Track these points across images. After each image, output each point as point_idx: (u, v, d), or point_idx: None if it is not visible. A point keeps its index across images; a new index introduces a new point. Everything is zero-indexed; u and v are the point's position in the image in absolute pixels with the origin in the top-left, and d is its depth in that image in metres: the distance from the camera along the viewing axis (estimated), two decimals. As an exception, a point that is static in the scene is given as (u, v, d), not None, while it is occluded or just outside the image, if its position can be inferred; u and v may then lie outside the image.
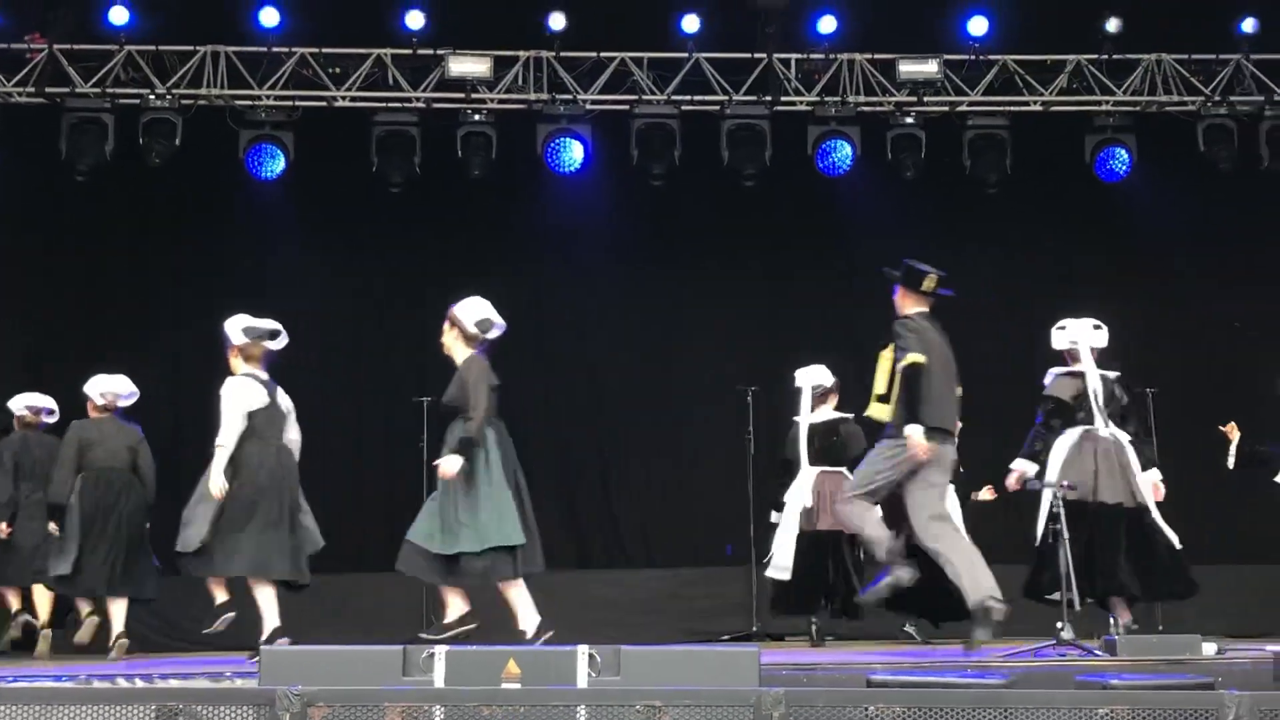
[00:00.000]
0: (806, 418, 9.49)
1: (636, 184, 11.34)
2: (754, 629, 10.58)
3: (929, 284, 7.69)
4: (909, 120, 11.22)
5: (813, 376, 9.60)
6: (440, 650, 5.03)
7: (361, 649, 5.22)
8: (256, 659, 5.42)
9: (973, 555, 7.39)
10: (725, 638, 10.38)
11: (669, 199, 11.48)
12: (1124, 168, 11.30)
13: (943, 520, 7.51)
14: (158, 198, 11.49)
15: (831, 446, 9.42)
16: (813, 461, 9.41)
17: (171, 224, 11.66)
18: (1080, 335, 8.32)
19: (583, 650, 5.09)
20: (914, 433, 7.30)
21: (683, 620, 10.87)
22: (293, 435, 8.21)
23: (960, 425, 7.87)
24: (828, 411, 9.53)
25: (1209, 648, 6.98)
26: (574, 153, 11.09)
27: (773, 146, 11.11)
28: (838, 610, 9.33)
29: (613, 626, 10.37)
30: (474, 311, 7.93)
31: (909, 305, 7.76)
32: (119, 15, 10.73)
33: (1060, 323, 8.49)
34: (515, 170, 11.34)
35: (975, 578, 7.23)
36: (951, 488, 8.30)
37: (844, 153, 11.15)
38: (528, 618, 7.46)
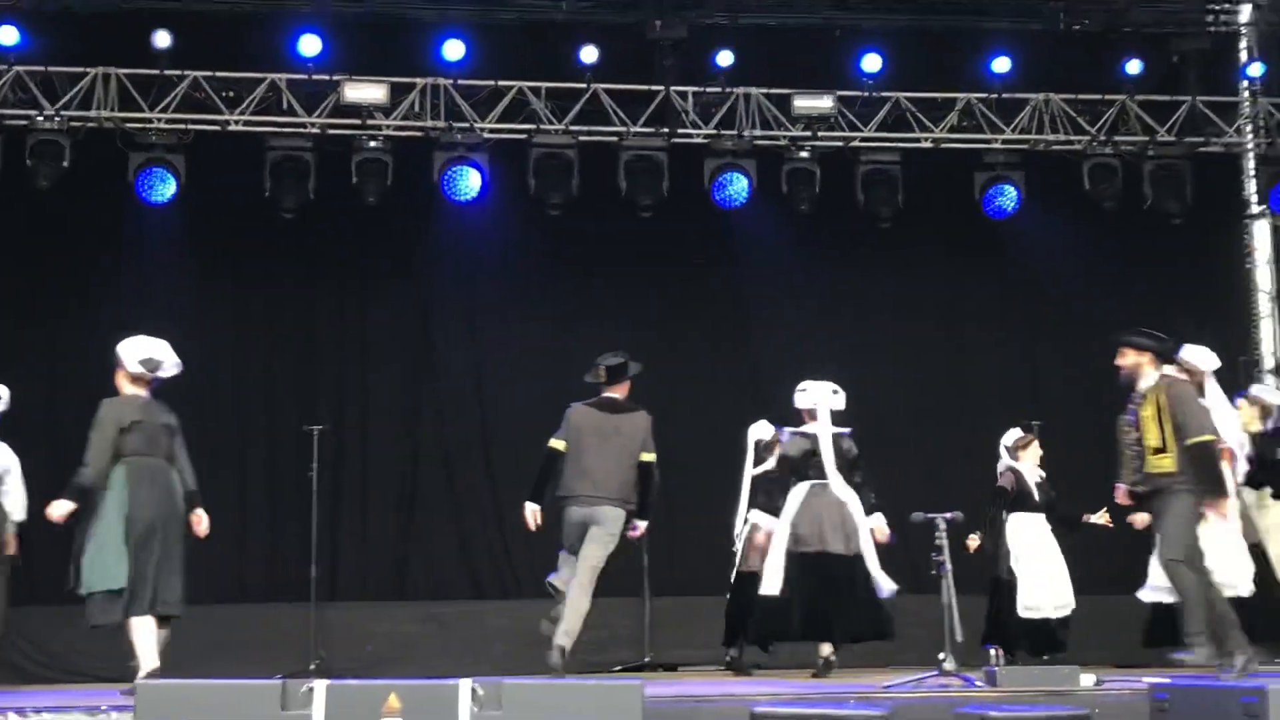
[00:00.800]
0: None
1: (534, 213, 11.33)
2: (646, 660, 10.59)
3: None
4: (804, 154, 11.34)
5: (759, 430, 10.02)
6: (320, 684, 4.98)
7: (239, 683, 5.15)
8: (132, 690, 5.32)
9: None
10: (617, 669, 10.37)
11: (566, 228, 11.48)
12: (1012, 204, 11.50)
13: None
14: (43, 221, 11.26)
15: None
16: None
17: (57, 248, 11.42)
18: (819, 398, 9.14)
19: (465, 684, 5.06)
20: None
21: (575, 651, 10.76)
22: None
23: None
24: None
25: (1087, 679, 7.10)
26: (471, 181, 11.06)
27: (670, 178, 11.17)
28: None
29: (505, 658, 10.33)
30: (137, 350, 7.82)
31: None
32: (8, 35, 10.54)
33: (802, 385, 9.26)
34: (411, 198, 11.28)
35: None
36: None
37: (740, 185, 11.24)
38: (144, 658, 7.35)
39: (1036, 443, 9.78)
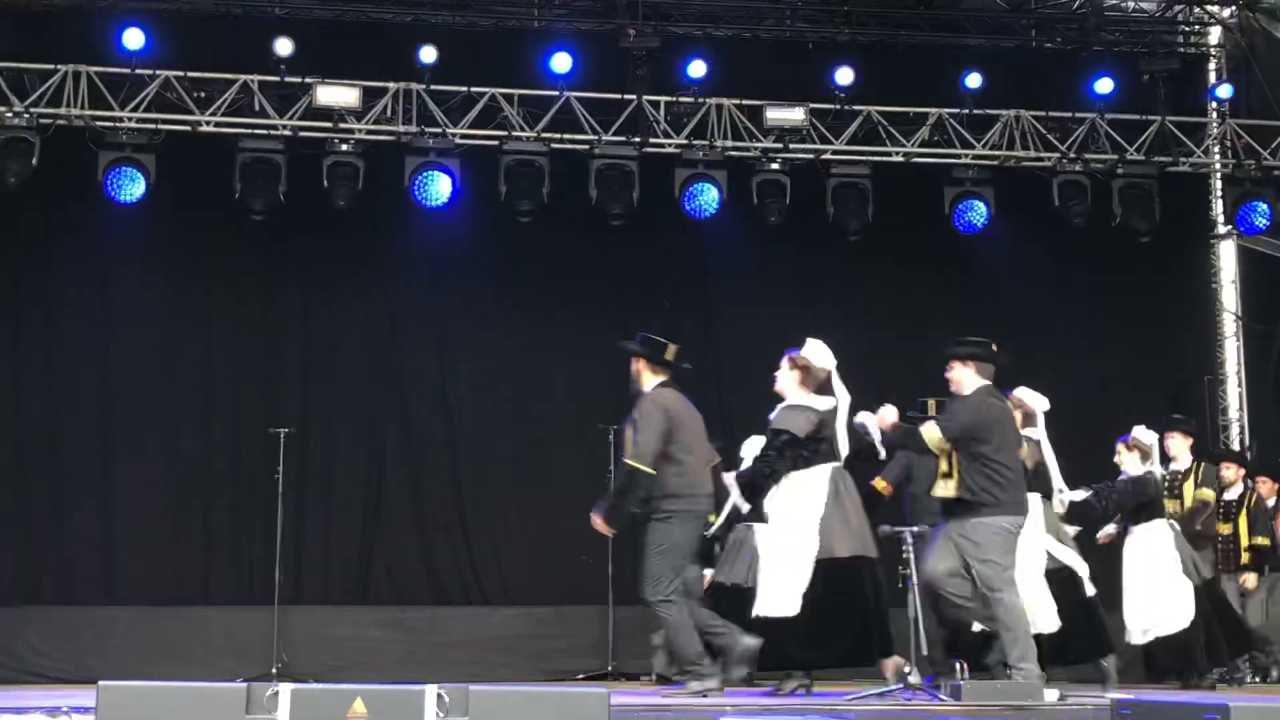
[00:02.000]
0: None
1: (504, 220, 11.32)
2: (609, 668, 10.58)
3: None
4: (774, 166, 11.37)
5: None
6: (285, 688, 4.94)
7: (203, 685, 5.10)
8: None
9: None
10: (580, 677, 10.36)
11: (536, 236, 11.47)
12: (981, 220, 11.56)
13: None
14: (11, 218, 11.18)
15: None
16: None
17: (25, 246, 11.37)
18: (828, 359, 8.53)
19: (431, 690, 5.03)
20: None
21: (539, 659, 10.82)
22: None
23: None
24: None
25: (1051, 694, 7.12)
26: (441, 186, 11.03)
27: (640, 187, 11.17)
28: None
29: (468, 665, 10.31)
30: None
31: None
32: (-25, 30, 10.47)
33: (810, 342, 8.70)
34: (382, 202, 11.26)
35: None
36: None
37: (710, 195, 11.25)
38: None
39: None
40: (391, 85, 11.07)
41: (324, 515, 11.40)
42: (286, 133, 10.92)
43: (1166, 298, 12.35)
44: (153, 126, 10.77)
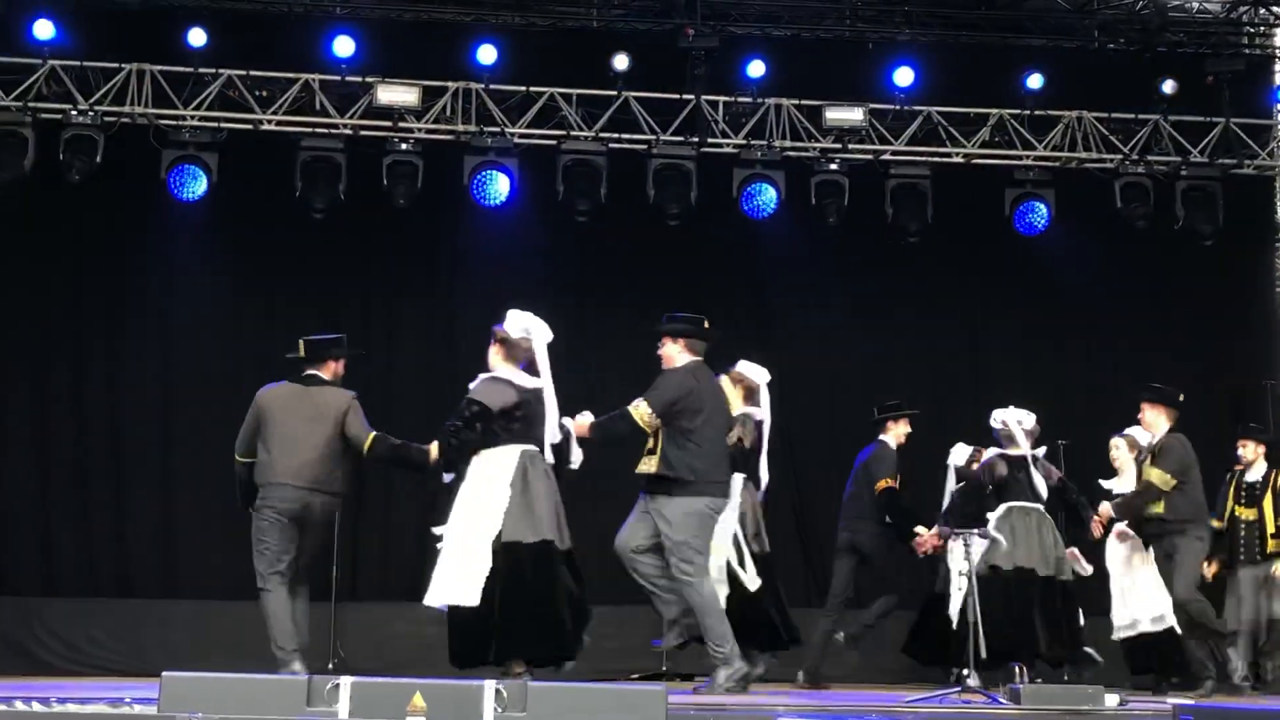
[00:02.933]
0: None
1: (561, 219, 11.34)
2: (664, 669, 10.56)
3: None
4: (833, 166, 11.32)
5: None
6: (346, 681, 4.97)
7: (265, 678, 5.15)
8: None
9: None
10: (635, 676, 10.34)
11: (593, 235, 11.49)
12: (1042, 222, 11.45)
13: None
14: (76, 215, 11.33)
15: None
16: None
17: (89, 242, 11.51)
18: None
19: (490, 685, 5.05)
20: None
21: (593, 658, 10.70)
22: None
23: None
24: None
25: (1111, 699, 7.05)
26: (500, 185, 11.07)
27: (698, 187, 11.15)
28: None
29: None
30: None
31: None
32: (44, 29, 10.59)
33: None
34: (440, 201, 11.30)
35: None
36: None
37: (768, 196, 11.22)
38: None
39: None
40: (451, 85, 11.11)
41: (382, 511, 11.47)
42: (347, 132, 10.99)
43: (1229, 301, 12.19)
44: (215, 125, 10.86)
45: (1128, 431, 9.44)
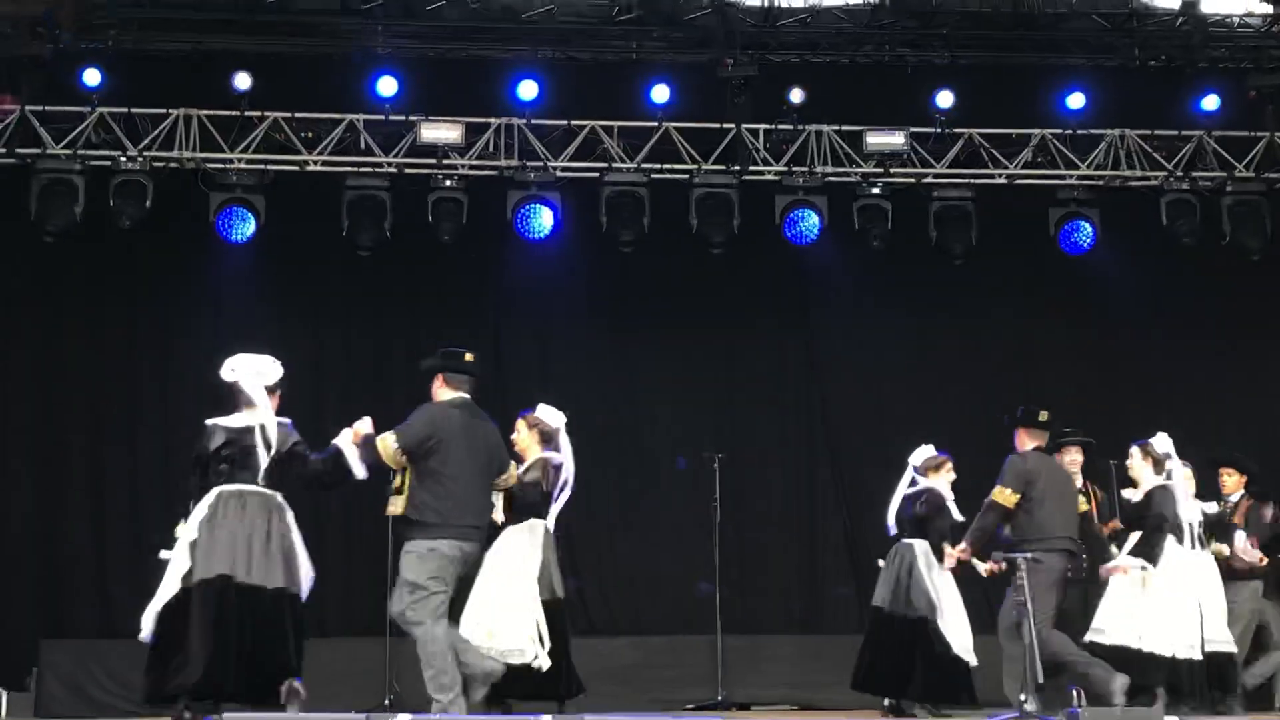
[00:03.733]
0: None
1: (605, 250, 11.39)
2: (719, 698, 10.54)
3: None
4: (875, 191, 11.32)
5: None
6: (403, 718, 5.01)
7: (322, 716, 5.19)
8: None
9: None
10: (690, 707, 10.33)
11: (637, 266, 11.53)
12: (1088, 241, 11.40)
13: None
14: (126, 260, 11.47)
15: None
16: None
17: (139, 287, 11.65)
18: None
19: (546, 720, 5.08)
20: None
21: (649, 689, 10.80)
22: None
23: None
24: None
25: (1169, 720, 6.99)
26: (544, 219, 11.13)
27: (740, 215, 11.18)
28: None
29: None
30: None
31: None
32: (91, 77, 10.74)
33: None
34: (485, 236, 11.38)
35: None
36: None
37: (811, 222, 11.23)
38: None
39: (949, 465, 9.33)
40: (493, 121, 11.19)
41: (434, 548, 11.50)
42: (392, 170, 11.09)
43: (1278, 316, 12.08)
44: (262, 167, 10.99)
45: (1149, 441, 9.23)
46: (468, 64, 11.44)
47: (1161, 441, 8.92)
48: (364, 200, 11.03)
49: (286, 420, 7.36)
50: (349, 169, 11.07)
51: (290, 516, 7.21)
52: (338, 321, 11.90)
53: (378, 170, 11.09)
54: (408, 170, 11.12)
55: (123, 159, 10.81)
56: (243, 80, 10.80)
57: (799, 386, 12.20)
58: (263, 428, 7.17)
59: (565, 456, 8.34)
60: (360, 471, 7.33)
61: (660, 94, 11.13)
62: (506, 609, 7.80)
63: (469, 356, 7.56)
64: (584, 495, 11.70)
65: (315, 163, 11.06)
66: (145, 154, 10.84)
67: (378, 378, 11.82)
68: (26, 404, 11.48)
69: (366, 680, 10.19)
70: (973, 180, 11.39)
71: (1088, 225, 11.38)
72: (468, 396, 7.50)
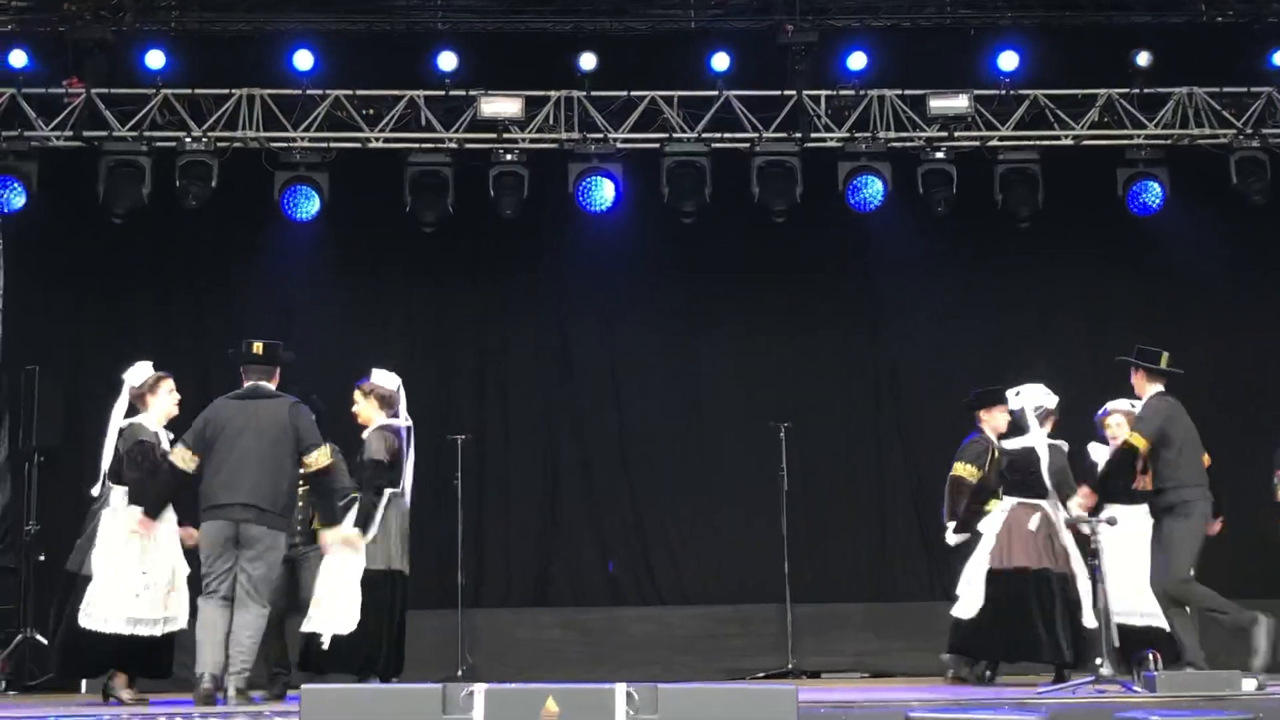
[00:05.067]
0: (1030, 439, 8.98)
1: (668, 222, 11.37)
2: (789, 666, 10.55)
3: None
4: (940, 155, 11.20)
5: (1034, 397, 9.09)
6: (480, 688, 5.04)
7: (400, 687, 5.25)
8: None
9: None
10: (760, 675, 10.35)
11: (700, 236, 11.50)
12: (1157, 201, 11.25)
13: None
14: (192, 241, 11.58)
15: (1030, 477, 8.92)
16: (1007, 491, 9.01)
17: (206, 266, 11.76)
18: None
19: (621, 688, 5.09)
20: None
21: (718, 658, 10.84)
22: None
23: None
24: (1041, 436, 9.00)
25: (1249, 683, 6.92)
26: (605, 191, 11.12)
27: (803, 183, 11.11)
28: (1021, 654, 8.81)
29: (648, 665, 10.38)
30: None
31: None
32: (155, 59, 10.84)
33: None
34: (547, 209, 11.38)
35: None
36: None
37: (875, 188, 11.14)
38: None
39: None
40: (553, 93, 11.18)
41: (502, 519, 11.59)
42: (453, 145, 11.11)
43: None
44: (325, 145, 11.05)
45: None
46: (526, 37, 11.42)
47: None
48: (426, 176, 11.07)
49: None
50: (411, 145, 11.11)
51: None
52: (401, 298, 11.96)
53: (439, 146, 11.11)
54: (468, 145, 11.13)
55: (187, 140, 10.90)
56: (304, 59, 10.86)
57: (864, 354, 12.13)
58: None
59: (404, 419, 8.49)
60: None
61: (720, 62, 11.07)
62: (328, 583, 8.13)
63: (257, 346, 7.97)
64: (652, 466, 11.81)
65: (377, 140, 11.10)
66: (209, 134, 10.92)
67: (441, 354, 11.89)
68: (98, 385, 11.60)
69: (439, 652, 10.28)
70: (1039, 142, 11.25)
71: (1156, 185, 11.23)
72: (258, 383, 7.90)
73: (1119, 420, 8.80)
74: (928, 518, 11.48)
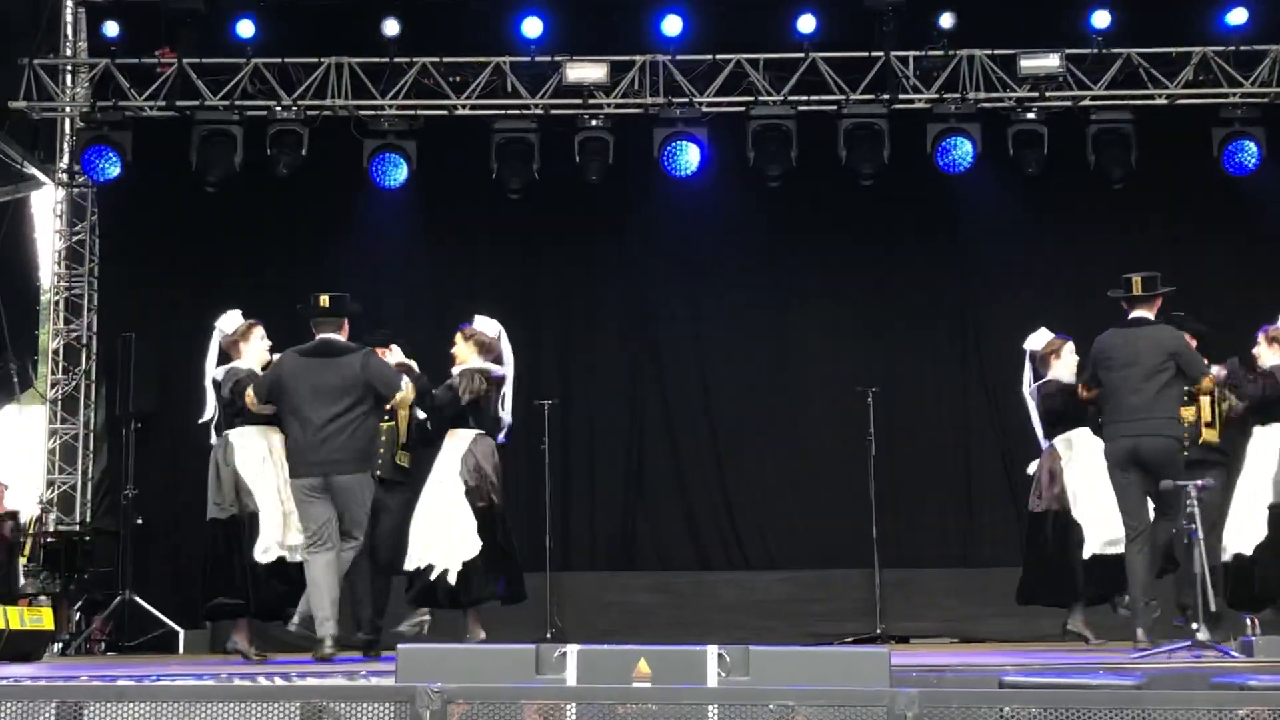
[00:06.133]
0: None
1: (754, 185, 11.33)
2: (878, 631, 10.53)
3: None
4: (1030, 116, 11.06)
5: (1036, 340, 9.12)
6: (572, 649, 5.08)
7: (495, 647, 5.30)
8: None
9: None
10: (848, 640, 10.33)
11: (787, 200, 11.45)
12: (1253, 161, 11.02)
13: None
14: (284, 209, 11.70)
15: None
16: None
17: (296, 235, 11.87)
18: None
19: (712, 650, 5.11)
20: None
21: (804, 623, 10.85)
22: None
23: None
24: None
25: (1350, 650, 6.81)
26: (690, 156, 11.10)
27: (891, 145, 11.02)
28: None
29: (735, 629, 10.41)
30: None
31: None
32: (245, 29, 10.98)
33: None
34: (632, 174, 11.38)
35: None
36: None
37: (964, 150, 11.02)
38: None
39: (1070, 346, 8.97)
40: (638, 58, 11.17)
41: (589, 483, 11.66)
42: (538, 112, 11.14)
43: None
44: (412, 113, 11.13)
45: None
46: (611, 2, 11.41)
47: None
48: (512, 143, 11.12)
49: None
50: (497, 112, 11.15)
51: None
52: (489, 263, 12.02)
53: (525, 112, 11.15)
54: (554, 111, 11.17)
55: (278, 109, 11.04)
56: (391, 27, 10.93)
57: (953, 319, 12.02)
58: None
59: (507, 363, 8.65)
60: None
61: (806, 24, 11.00)
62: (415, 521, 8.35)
63: (324, 300, 8.11)
64: (737, 431, 11.81)
65: (464, 107, 11.16)
66: (299, 103, 11.04)
67: (527, 319, 11.92)
68: (192, 352, 11.77)
69: (528, 614, 10.35)
70: (1132, 102, 11.07)
71: (1252, 145, 11.01)
72: (329, 336, 8.04)
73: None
74: (1017, 483, 11.37)
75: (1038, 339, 9.04)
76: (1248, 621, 7.51)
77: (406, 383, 8.00)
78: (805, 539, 11.64)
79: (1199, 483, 7.20)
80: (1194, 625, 7.01)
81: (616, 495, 11.71)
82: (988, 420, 11.84)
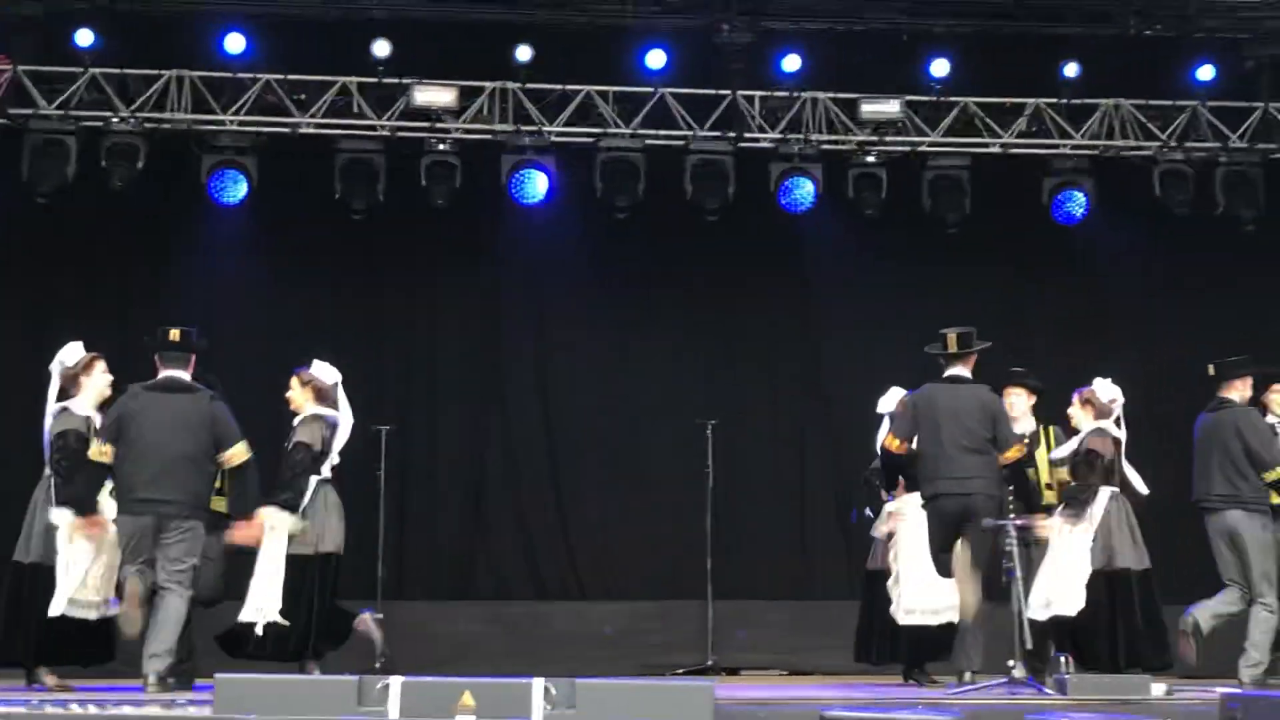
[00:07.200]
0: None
1: (600, 216, 11.37)
2: (709, 662, 10.60)
3: None
4: (870, 159, 11.30)
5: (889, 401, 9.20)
6: (396, 681, 5.03)
7: (316, 678, 5.21)
8: None
9: None
10: (680, 671, 10.39)
11: (632, 232, 11.52)
12: (1081, 210, 11.40)
13: None
14: (118, 222, 11.42)
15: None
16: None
17: (131, 248, 11.60)
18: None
19: (538, 683, 5.10)
20: None
21: (638, 654, 10.88)
22: None
23: None
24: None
25: (1158, 688, 7.05)
26: (538, 184, 11.10)
27: (736, 182, 11.16)
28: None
29: (569, 660, 10.37)
30: None
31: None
32: (84, 37, 10.69)
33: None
34: (478, 200, 11.35)
35: None
36: None
37: (806, 190, 11.21)
38: None
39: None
40: (488, 84, 11.15)
41: (426, 511, 11.56)
42: (385, 133, 11.04)
43: (1273, 285, 12.09)
44: (254, 129, 10.95)
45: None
46: (462, 27, 11.34)
47: (1106, 387, 8.87)
48: (357, 163, 10.99)
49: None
50: (342, 132, 11.03)
51: None
52: (330, 285, 11.86)
53: (371, 134, 11.04)
54: (400, 134, 11.07)
55: (115, 120, 10.77)
56: (235, 42, 10.74)
57: (792, 354, 12.21)
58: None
59: (343, 412, 8.49)
60: None
61: (656, 59, 11.09)
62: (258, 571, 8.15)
63: (174, 334, 7.93)
64: (577, 461, 11.81)
65: (307, 125, 11.01)
66: (137, 115, 10.79)
67: (368, 342, 11.82)
68: (19, 365, 11.42)
69: (357, 644, 10.18)
70: (967, 149, 11.38)
71: (1081, 195, 11.38)
72: (176, 373, 7.88)
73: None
74: (848, 521, 11.58)
75: (890, 399, 9.17)
76: (1062, 660, 7.72)
77: (245, 445, 7.83)
78: (641, 569, 11.69)
79: (1016, 521, 7.40)
80: (1010, 663, 7.19)
81: (453, 523, 11.64)
82: (825, 456, 12.04)
